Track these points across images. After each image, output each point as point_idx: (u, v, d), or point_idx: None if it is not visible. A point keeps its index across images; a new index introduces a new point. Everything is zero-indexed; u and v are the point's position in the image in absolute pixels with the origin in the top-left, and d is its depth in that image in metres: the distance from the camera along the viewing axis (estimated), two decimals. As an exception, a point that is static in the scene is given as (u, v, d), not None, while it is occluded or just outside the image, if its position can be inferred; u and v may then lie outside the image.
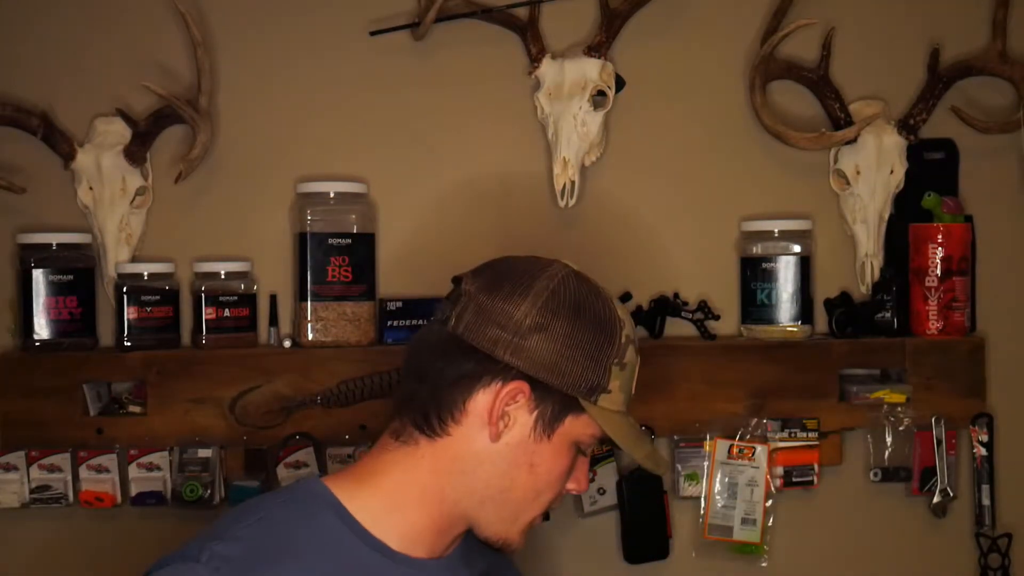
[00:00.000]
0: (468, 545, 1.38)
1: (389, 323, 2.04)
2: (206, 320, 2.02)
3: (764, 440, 2.06)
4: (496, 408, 1.30)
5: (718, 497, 2.08)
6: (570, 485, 1.37)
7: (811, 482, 2.10)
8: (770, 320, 2.10)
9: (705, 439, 2.08)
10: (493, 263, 1.39)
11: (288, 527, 1.30)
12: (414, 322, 2.03)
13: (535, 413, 1.32)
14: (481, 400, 1.31)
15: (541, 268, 1.35)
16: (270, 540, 1.28)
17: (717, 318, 2.13)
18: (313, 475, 1.36)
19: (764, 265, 2.10)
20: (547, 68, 2.07)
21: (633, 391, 1.39)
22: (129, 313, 2.00)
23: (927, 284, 2.10)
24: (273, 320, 2.09)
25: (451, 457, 1.32)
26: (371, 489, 1.34)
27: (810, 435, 2.07)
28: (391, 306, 2.04)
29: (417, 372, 1.34)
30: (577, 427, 1.33)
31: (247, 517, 1.31)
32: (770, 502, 2.08)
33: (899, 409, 2.08)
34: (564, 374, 1.31)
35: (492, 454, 1.32)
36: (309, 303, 2.02)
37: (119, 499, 2.03)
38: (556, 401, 1.32)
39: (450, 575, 1.36)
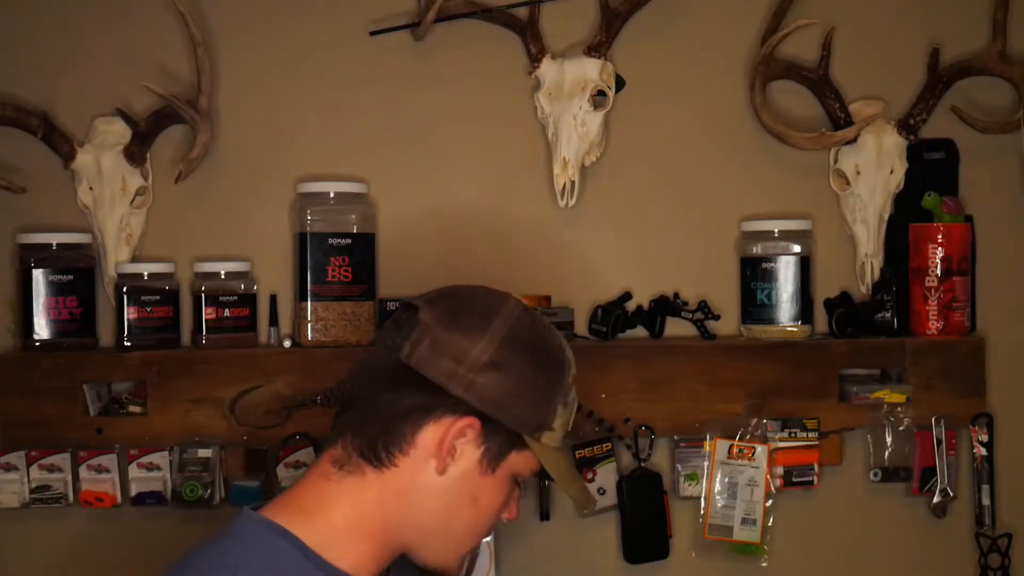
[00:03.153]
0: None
1: (389, 323, 2.04)
2: (206, 320, 2.02)
3: (764, 440, 2.06)
4: (446, 442, 1.32)
5: (718, 497, 2.08)
6: (505, 515, 1.41)
7: (811, 482, 2.10)
8: (770, 320, 2.10)
9: (705, 439, 2.08)
10: (447, 293, 1.40)
11: (243, 560, 1.29)
12: (414, 322, 2.03)
13: (482, 448, 1.34)
14: (430, 433, 1.32)
15: (498, 303, 1.38)
16: None
17: (717, 318, 2.13)
18: (240, 512, 1.35)
19: (764, 265, 2.10)
20: (547, 68, 2.07)
21: (570, 427, 1.42)
22: (129, 313, 2.00)
23: (927, 284, 2.10)
24: (273, 320, 2.09)
25: (397, 489, 1.33)
26: (323, 521, 1.32)
27: (810, 435, 2.07)
28: (391, 306, 2.04)
29: (366, 400, 1.34)
30: (520, 462, 1.37)
31: (195, 562, 1.30)
32: (770, 502, 2.08)
33: (899, 409, 2.08)
34: (514, 412, 1.34)
35: (438, 487, 1.33)
36: (309, 303, 2.02)
37: (119, 499, 2.03)
38: (503, 437, 1.34)
39: None
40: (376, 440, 1.32)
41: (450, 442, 1.32)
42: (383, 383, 1.34)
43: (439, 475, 1.33)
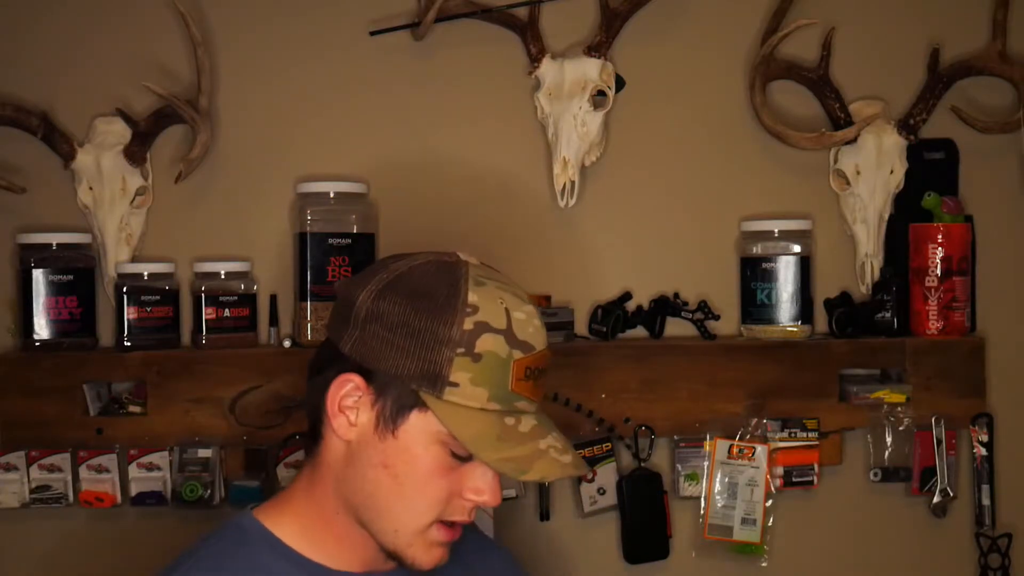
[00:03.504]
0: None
1: (389, 323, 2.04)
2: (206, 320, 2.02)
3: (764, 440, 2.06)
4: (335, 403, 1.25)
5: (718, 497, 2.08)
6: (468, 494, 1.26)
7: (811, 482, 2.10)
8: (770, 320, 2.10)
9: (705, 439, 2.08)
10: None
11: (217, 563, 1.29)
12: (414, 322, 2.03)
13: (376, 408, 1.25)
14: (328, 397, 1.26)
15: (403, 258, 1.29)
16: None
17: (717, 318, 2.13)
18: (243, 511, 1.36)
19: (764, 265, 2.10)
20: (547, 68, 2.07)
21: (514, 388, 1.25)
22: (129, 313, 2.00)
23: (927, 284, 2.10)
24: (273, 320, 2.09)
25: (324, 464, 1.29)
26: (289, 514, 1.32)
27: (810, 435, 2.07)
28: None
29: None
30: (430, 424, 1.23)
31: (179, 566, 1.29)
32: (770, 502, 2.08)
33: (899, 409, 2.08)
34: (397, 363, 1.23)
35: (350, 456, 1.26)
36: (309, 303, 2.02)
37: (119, 499, 2.03)
38: (396, 394, 1.24)
39: None
40: (310, 419, 1.30)
41: (339, 402, 1.25)
42: (314, 366, 1.31)
43: (343, 440, 1.26)
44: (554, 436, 1.28)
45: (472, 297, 1.24)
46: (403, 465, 1.24)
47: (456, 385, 1.22)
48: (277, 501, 1.35)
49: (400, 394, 1.24)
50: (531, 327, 1.26)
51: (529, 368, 1.25)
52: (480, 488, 1.26)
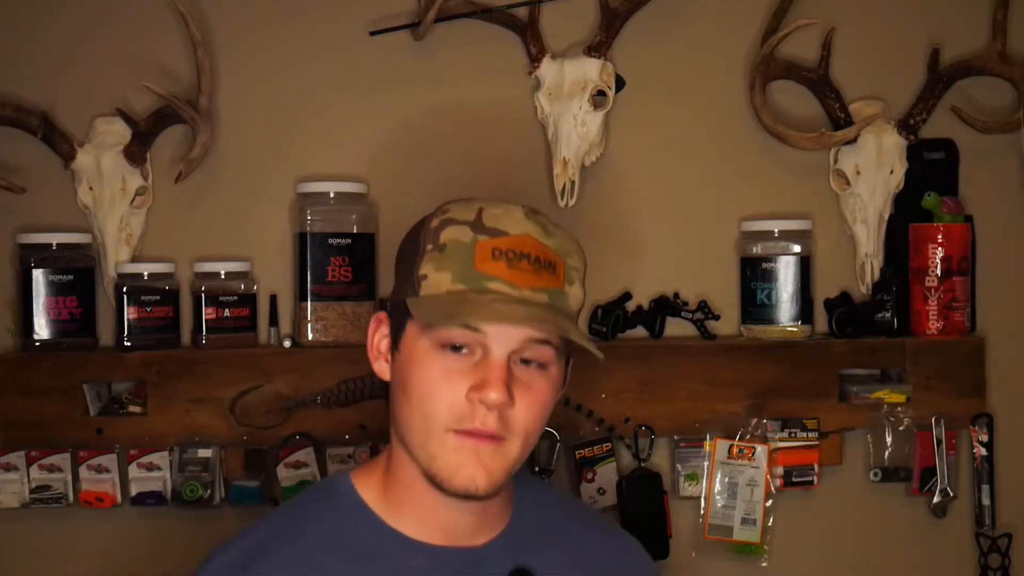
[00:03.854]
0: (515, 538, 1.34)
1: (389, 323, 2.04)
2: (206, 320, 2.02)
3: (764, 440, 2.06)
4: (371, 349, 1.33)
5: (718, 497, 2.08)
6: (471, 395, 1.23)
7: (811, 482, 2.10)
8: (770, 320, 2.10)
9: (705, 439, 2.08)
10: None
11: (301, 520, 1.31)
12: (414, 322, 2.03)
13: (389, 335, 1.32)
14: (368, 346, 1.35)
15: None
16: (281, 531, 1.30)
17: (717, 318, 2.13)
18: (342, 470, 1.40)
19: (764, 265, 2.10)
20: (547, 68, 2.07)
21: (479, 267, 1.24)
22: (129, 313, 2.00)
23: (927, 284, 2.10)
24: (273, 320, 2.09)
25: (390, 415, 1.33)
26: (375, 477, 1.34)
27: (810, 435, 2.08)
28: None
29: None
30: (415, 327, 1.26)
31: (272, 515, 1.35)
32: (770, 502, 2.08)
33: (899, 409, 2.08)
34: (397, 290, 1.31)
35: (392, 395, 1.31)
36: (309, 303, 2.02)
37: (119, 499, 2.03)
38: (397, 315, 1.29)
39: (475, 566, 1.30)
40: None
41: (376, 347, 1.33)
42: None
43: (387, 381, 1.32)
44: (529, 309, 1.23)
45: (448, 206, 1.29)
46: (409, 377, 1.26)
47: (425, 277, 1.25)
48: (370, 464, 1.37)
49: (398, 312, 1.29)
50: (508, 219, 1.26)
51: (498, 249, 1.24)
52: (478, 385, 1.23)
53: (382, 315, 1.33)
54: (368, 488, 1.33)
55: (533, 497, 1.40)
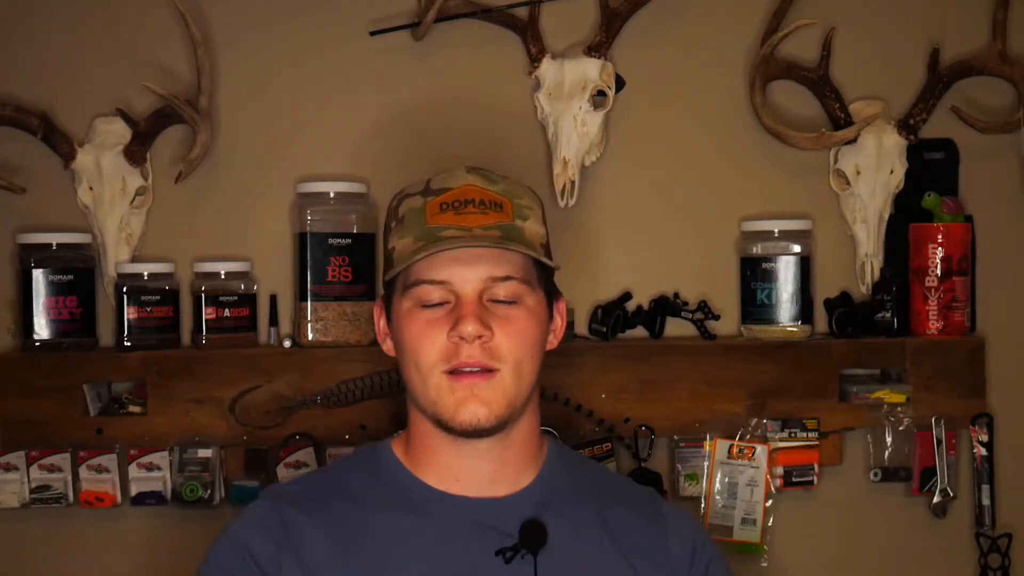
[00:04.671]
0: (538, 494, 1.40)
1: (389, 323, 2.04)
2: (206, 320, 2.02)
3: (764, 440, 2.06)
4: (378, 333, 1.46)
5: (718, 497, 2.08)
6: (451, 334, 1.34)
7: (811, 482, 2.10)
8: (770, 320, 2.10)
9: (705, 439, 2.08)
10: None
11: (341, 476, 1.44)
12: (414, 322, 2.03)
13: (385, 316, 1.44)
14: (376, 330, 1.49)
15: None
16: (324, 485, 1.43)
17: (717, 318, 2.13)
18: (383, 440, 1.50)
19: (764, 265, 2.10)
20: (547, 68, 2.07)
21: (429, 222, 1.37)
22: (129, 313, 2.00)
23: (927, 284, 2.10)
24: (273, 320, 2.09)
25: None
26: (404, 439, 1.45)
27: (810, 435, 2.07)
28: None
29: None
30: (398, 293, 1.39)
31: (314, 472, 1.55)
32: (770, 502, 2.08)
33: (899, 409, 2.08)
34: (383, 272, 1.45)
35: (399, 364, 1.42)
36: (309, 303, 2.02)
37: (119, 499, 2.03)
38: (387, 294, 1.43)
39: (494, 516, 1.37)
40: None
41: (381, 331, 1.45)
42: None
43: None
44: (478, 239, 1.35)
45: (404, 186, 1.44)
46: (401, 336, 1.39)
47: (394, 249, 1.40)
48: (403, 433, 1.46)
49: (386, 291, 1.43)
50: (451, 177, 1.41)
51: (444, 203, 1.38)
52: (455, 324, 1.34)
53: (379, 301, 1.46)
54: (399, 448, 1.45)
55: (565, 461, 1.48)
